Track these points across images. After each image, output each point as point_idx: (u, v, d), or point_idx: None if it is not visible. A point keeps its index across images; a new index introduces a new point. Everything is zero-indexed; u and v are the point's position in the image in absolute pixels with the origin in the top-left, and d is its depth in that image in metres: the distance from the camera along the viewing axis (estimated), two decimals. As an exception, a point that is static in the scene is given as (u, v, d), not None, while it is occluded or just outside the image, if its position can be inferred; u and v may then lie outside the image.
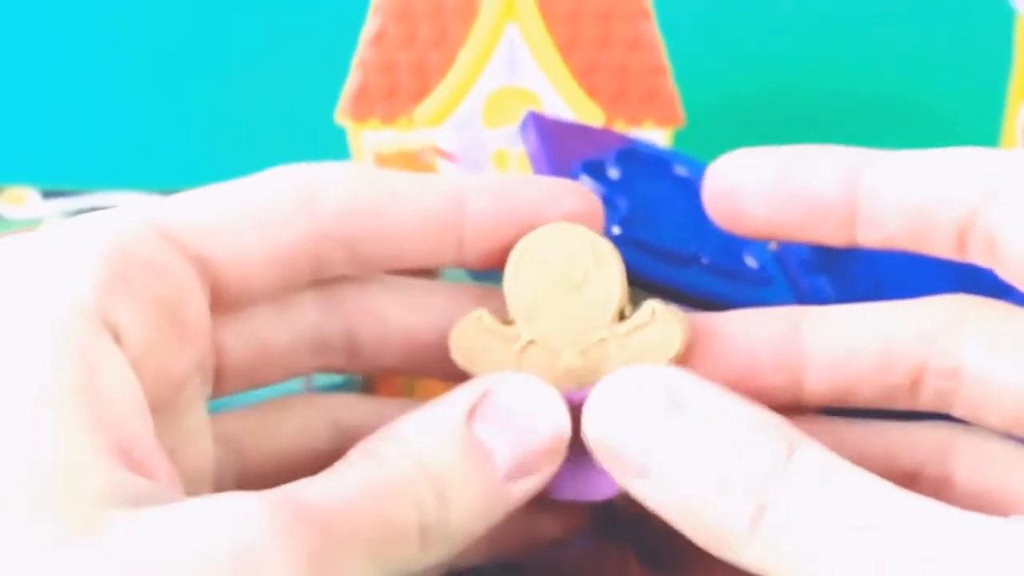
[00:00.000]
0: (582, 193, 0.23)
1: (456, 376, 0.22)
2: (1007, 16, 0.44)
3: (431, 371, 0.24)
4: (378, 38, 0.40)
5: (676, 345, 0.21)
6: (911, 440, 0.22)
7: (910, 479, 0.22)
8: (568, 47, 0.40)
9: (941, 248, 0.20)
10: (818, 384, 0.22)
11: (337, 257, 0.22)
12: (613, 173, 0.28)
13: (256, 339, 0.23)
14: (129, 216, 0.20)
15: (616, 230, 0.26)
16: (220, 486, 0.22)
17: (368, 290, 0.24)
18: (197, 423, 0.22)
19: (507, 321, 0.22)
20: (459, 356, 0.22)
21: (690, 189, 0.30)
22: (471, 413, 0.20)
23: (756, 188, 0.21)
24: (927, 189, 0.20)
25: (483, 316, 0.22)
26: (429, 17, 0.39)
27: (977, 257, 0.20)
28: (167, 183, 0.46)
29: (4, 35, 0.56)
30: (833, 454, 0.18)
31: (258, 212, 0.21)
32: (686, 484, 0.18)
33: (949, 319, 0.21)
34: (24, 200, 0.45)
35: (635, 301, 0.22)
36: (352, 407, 0.25)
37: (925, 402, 0.21)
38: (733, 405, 0.19)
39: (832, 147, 0.21)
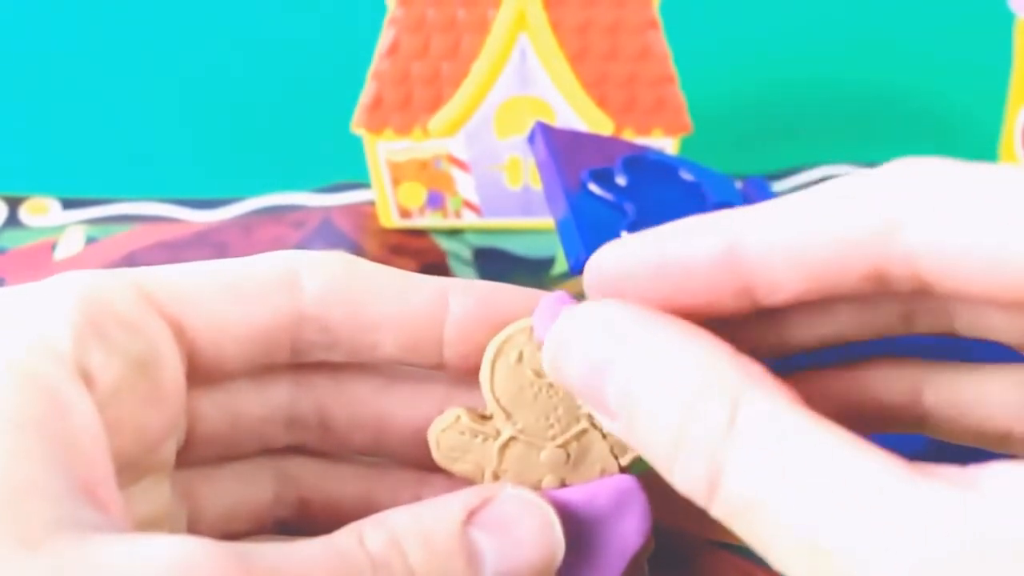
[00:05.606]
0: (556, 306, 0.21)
1: (428, 461, 0.23)
2: (1007, 20, 0.44)
3: (402, 454, 0.24)
4: (393, 50, 0.40)
5: None
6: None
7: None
8: (578, 58, 0.40)
9: (858, 287, 0.18)
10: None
11: (315, 342, 0.22)
12: (620, 180, 0.29)
13: (231, 410, 0.23)
14: (113, 274, 0.21)
15: (625, 235, 0.26)
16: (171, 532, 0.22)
17: (342, 373, 0.24)
18: (162, 481, 0.22)
19: (484, 416, 0.22)
20: (440, 457, 0.23)
21: (696, 193, 0.30)
22: (469, 517, 0.20)
23: (638, 271, 0.19)
24: (821, 234, 0.18)
25: (461, 415, 0.22)
26: (443, 29, 0.40)
27: (901, 285, 0.18)
28: (186, 192, 0.47)
29: (26, 46, 0.57)
30: (778, 398, 0.17)
31: (239, 288, 0.22)
32: (646, 434, 0.18)
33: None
34: (46, 209, 0.46)
35: None
36: (303, 465, 0.25)
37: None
38: (668, 356, 0.18)
39: (711, 216, 0.19)
